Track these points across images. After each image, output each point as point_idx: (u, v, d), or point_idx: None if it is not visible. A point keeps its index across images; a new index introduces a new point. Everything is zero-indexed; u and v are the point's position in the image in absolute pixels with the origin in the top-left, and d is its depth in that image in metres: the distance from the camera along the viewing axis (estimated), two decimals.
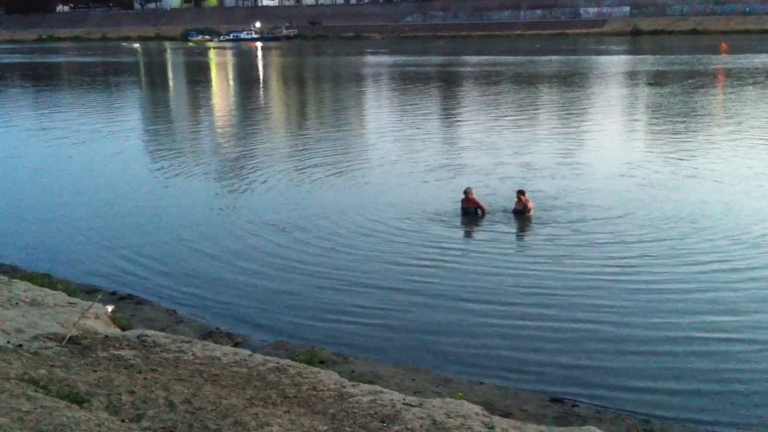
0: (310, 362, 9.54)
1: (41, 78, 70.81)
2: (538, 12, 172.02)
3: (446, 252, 15.45)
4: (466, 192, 18.10)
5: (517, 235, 16.82)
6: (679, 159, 24.47)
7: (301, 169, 24.35)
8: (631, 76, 58.68)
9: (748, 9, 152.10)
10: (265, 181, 22.36)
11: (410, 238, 16.38)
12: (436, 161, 25.13)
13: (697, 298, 12.67)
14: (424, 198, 19.94)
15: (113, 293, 13.36)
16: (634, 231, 16.45)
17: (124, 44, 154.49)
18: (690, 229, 16.47)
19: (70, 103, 48.42)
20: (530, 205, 17.75)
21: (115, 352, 8.54)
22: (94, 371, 7.75)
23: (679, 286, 13.22)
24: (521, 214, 17.61)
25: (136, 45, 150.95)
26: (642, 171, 22.72)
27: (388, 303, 12.83)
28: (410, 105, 43.13)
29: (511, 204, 18.04)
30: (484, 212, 17.94)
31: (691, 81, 51.22)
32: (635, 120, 35.47)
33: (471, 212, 17.95)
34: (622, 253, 15.00)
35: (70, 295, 12.01)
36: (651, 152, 25.98)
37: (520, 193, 17.91)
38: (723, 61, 71.30)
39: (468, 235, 17.10)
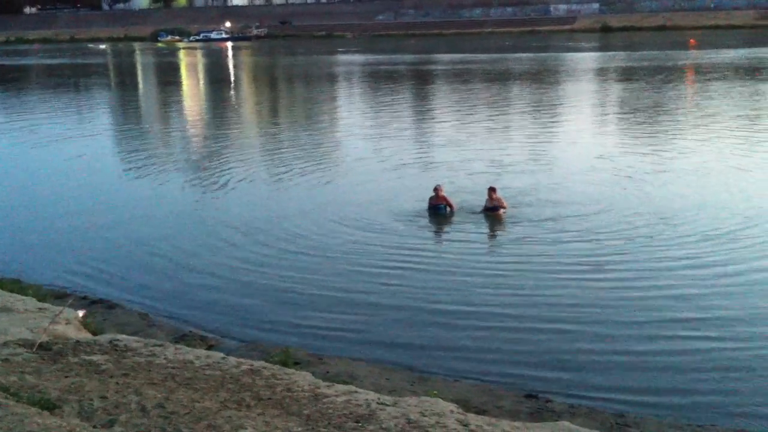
0: (284, 363, 9.51)
1: (8, 81, 69.92)
2: (509, 9, 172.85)
3: (418, 251, 15.44)
4: (436, 189, 18.02)
5: (489, 233, 16.81)
6: (650, 153, 24.72)
7: (272, 169, 24.28)
8: (601, 72, 59.09)
9: (713, 5, 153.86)
10: (235, 183, 22.26)
11: (381, 237, 16.37)
12: (407, 159, 25.19)
13: (670, 294, 12.74)
14: (394, 196, 19.95)
15: (84, 297, 13.22)
16: (606, 228, 16.51)
17: (91, 45, 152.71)
18: (663, 225, 16.58)
19: (37, 105, 47.85)
20: (504, 203, 17.66)
21: (87, 358, 8.46)
22: (66, 377, 7.67)
23: (653, 283, 13.30)
24: (492, 211, 17.52)
25: (103, 46, 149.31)
26: (613, 165, 22.92)
27: (363, 303, 12.83)
28: (382, 104, 43.14)
29: (482, 201, 17.97)
30: (452, 209, 17.88)
31: (660, 77, 51.67)
32: (606, 115, 35.74)
33: (440, 209, 17.86)
34: (595, 251, 15.04)
35: (40, 301, 11.87)
36: (622, 147, 26.21)
37: (491, 190, 17.82)
38: (692, 56, 72.03)
39: (439, 233, 17.08)
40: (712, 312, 11.99)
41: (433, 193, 18.06)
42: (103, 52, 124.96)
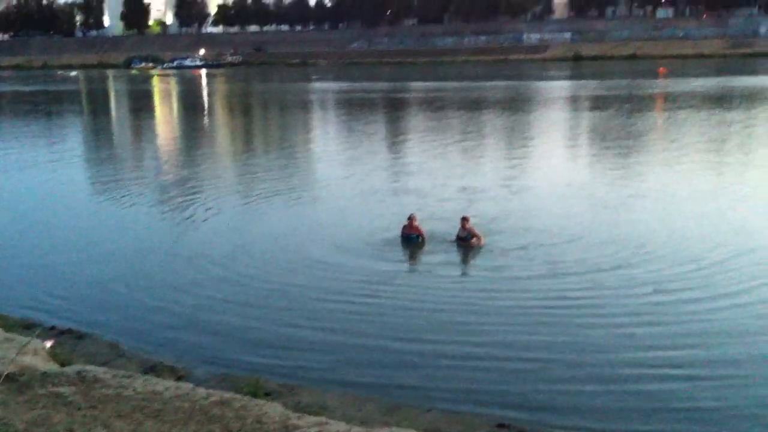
0: (255, 394, 9.43)
1: None
2: (482, 38, 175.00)
3: (389, 281, 15.31)
4: (410, 218, 17.92)
5: (461, 263, 16.74)
6: (621, 180, 25.01)
7: (243, 197, 24.19)
8: (573, 100, 59.83)
9: (682, 34, 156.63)
10: (205, 211, 22.04)
11: (352, 267, 16.23)
12: (380, 185, 25.26)
13: (643, 324, 12.72)
14: (366, 223, 19.90)
15: (52, 328, 13.03)
16: (578, 257, 16.50)
17: (61, 72, 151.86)
18: (635, 254, 16.58)
19: (7, 132, 47.46)
20: (477, 234, 17.46)
21: (54, 389, 8.34)
22: (32, 409, 7.57)
23: (625, 313, 13.25)
24: (464, 241, 17.40)
25: (74, 73, 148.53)
26: (584, 193, 23.13)
27: (334, 333, 12.73)
28: (355, 131, 43.30)
29: (454, 229, 17.83)
30: (424, 239, 17.74)
31: (630, 105, 52.40)
32: (577, 143, 36.16)
33: (413, 239, 17.73)
34: (567, 282, 14.95)
35: (7, 331, 11.69)
36: (593, 175, 26.51)
37: (464, 219, 17.67)
38: (661, 85, 73.11)
39: (411, 263, 16.93)
40: (687, 342, 11.97)
41: (406, 222, 17.97)
42: (74, 79, 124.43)
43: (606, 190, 23.63)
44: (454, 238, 17.67)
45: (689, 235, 17.97)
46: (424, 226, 18.11)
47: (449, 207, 21.14)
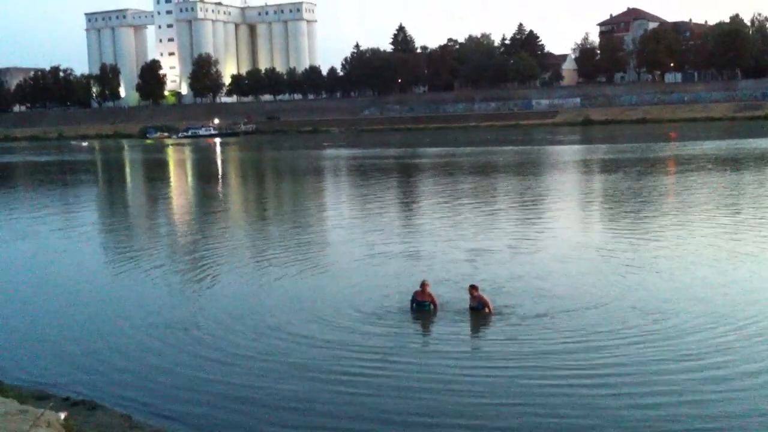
0: None
1: None
2: (492, 104, 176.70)
3: (398, 353, 14.78)
4: (423, 285, 17.54)
5: (474, 335, 16.17)
6: (638, 242, 24.79)
7: (255, 262, 24.07)
8: (584, 164, 60.03)
9: (686, 98, 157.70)
10: (219, 282, 21.75)
11: (361, 337, 15.79)
12: (392, 250, 25.13)
13: (669, 399, 12.13)
14: (377, 288, 19.66)
15: (66, 399, 12.91)
16: (595, 325, 15.85)
17: (73, 143, 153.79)
18: (660, 323, 15.94)
19: (20, 202, 47.89)
20: (486, 301, 16.92)
21: None
22: None
23: (648, 387, 12.63)
24: (476, 311, 16.87)
25: (85, 143, 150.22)
26: (601, 255, 22.90)
27: (338, 419, 12.16)
28: (366, 196, 43.41)
29: (467, 295, 17.26)
30: (436, 307, 17.30)
31: (642, 168, 52.47)
32: (590, 207, 36.08)
33: (425, 306, 17.27)
34: (586, 352, 14.30)
35: (21, 402, 11.60)
36: (607, 236, 26.34)
37: (473, 288, 17.15)
38: (672, 148, 73.38)
39: (422, 334, 16.38)
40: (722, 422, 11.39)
41: (419, 288, 17.59)
42: (87, 149, 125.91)
43: (623, 252, 23.33)
44: (466, 306, 17.17)
45: (714, 301, 17.42)
46: (435, 290, 17.77)
47: (461, 270, 21.00)
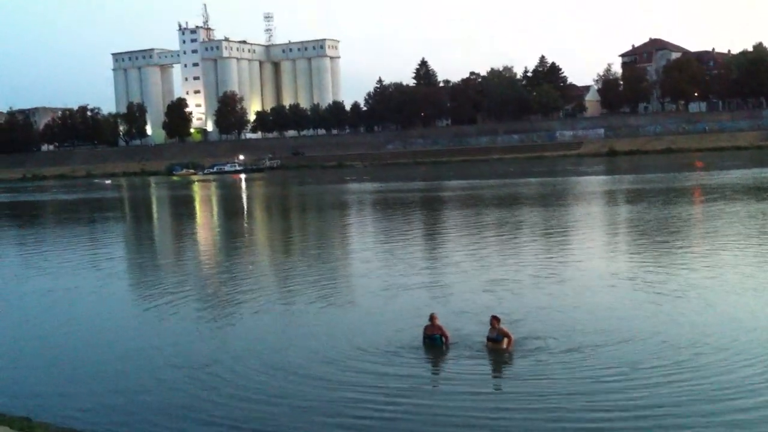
0: None
1: (23, 216, 70.95)
2: (515, 136, 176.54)
3: (409, 393, 14.22)
4: (431, 317, 16.99)
5: (493, 372, 15.55)
6: (665, 273, 24.34)
7: (280, 299, 23.90)
8: (610, 194, 59.55)
9: (707, 128, 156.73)
10: (242, 318, 21.58)
11: (367, 376, 15.27)
12: (413, 282, 24.89)
13: None
14: (392, 321, 19.36)
15: None
16: (632, 363, 14.96)
17: (97, 181, 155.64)
18: (699, 359, 15.11)
19: (51, 239, 48.25)
20: (509, 334, 16.23)
21: None
22: None
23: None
24: (495, 342, 16.17)
25: (108, 181, 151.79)
26: (628, 287, 22.54)
27: None
28: (390, 230, 43.22)
29: (484, 328, 16.65)
30: (448, 339, 16.69)
31: (670, 197, 51.94)
32: (616, 237, 35.66)
33: (436, 340, 16.70)
34: (620, 397, 13.30)
35: None
36: (634, 267, 25.88)
37: (494, 319, 16.43)
38: (700, 177, 72.70)
39: (433, 371, 15.84)
40: None
41: (428, 322, 17.02)
42: (111, 187, 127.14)
43: (651, 283, 22.89)
44: (483, 341, 16.50)
45: (752, 335, 16.64)
46: (455, 322, 17.42)
47: (482, 302, 20.67)
